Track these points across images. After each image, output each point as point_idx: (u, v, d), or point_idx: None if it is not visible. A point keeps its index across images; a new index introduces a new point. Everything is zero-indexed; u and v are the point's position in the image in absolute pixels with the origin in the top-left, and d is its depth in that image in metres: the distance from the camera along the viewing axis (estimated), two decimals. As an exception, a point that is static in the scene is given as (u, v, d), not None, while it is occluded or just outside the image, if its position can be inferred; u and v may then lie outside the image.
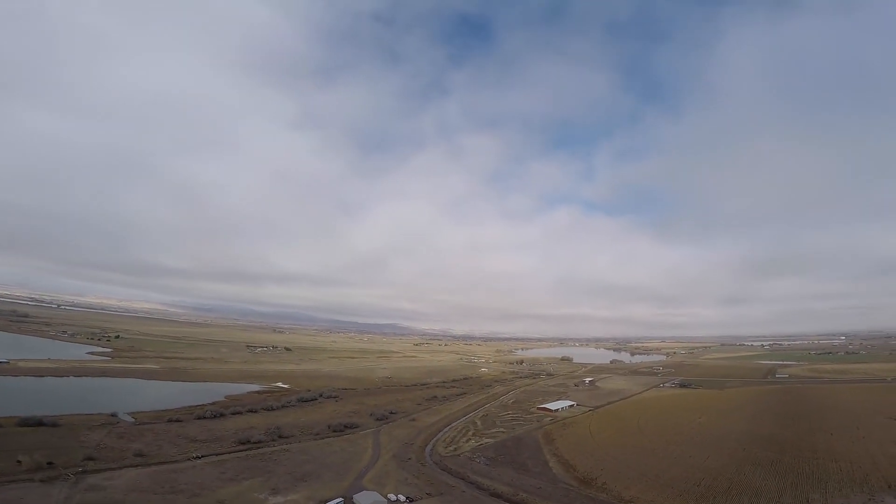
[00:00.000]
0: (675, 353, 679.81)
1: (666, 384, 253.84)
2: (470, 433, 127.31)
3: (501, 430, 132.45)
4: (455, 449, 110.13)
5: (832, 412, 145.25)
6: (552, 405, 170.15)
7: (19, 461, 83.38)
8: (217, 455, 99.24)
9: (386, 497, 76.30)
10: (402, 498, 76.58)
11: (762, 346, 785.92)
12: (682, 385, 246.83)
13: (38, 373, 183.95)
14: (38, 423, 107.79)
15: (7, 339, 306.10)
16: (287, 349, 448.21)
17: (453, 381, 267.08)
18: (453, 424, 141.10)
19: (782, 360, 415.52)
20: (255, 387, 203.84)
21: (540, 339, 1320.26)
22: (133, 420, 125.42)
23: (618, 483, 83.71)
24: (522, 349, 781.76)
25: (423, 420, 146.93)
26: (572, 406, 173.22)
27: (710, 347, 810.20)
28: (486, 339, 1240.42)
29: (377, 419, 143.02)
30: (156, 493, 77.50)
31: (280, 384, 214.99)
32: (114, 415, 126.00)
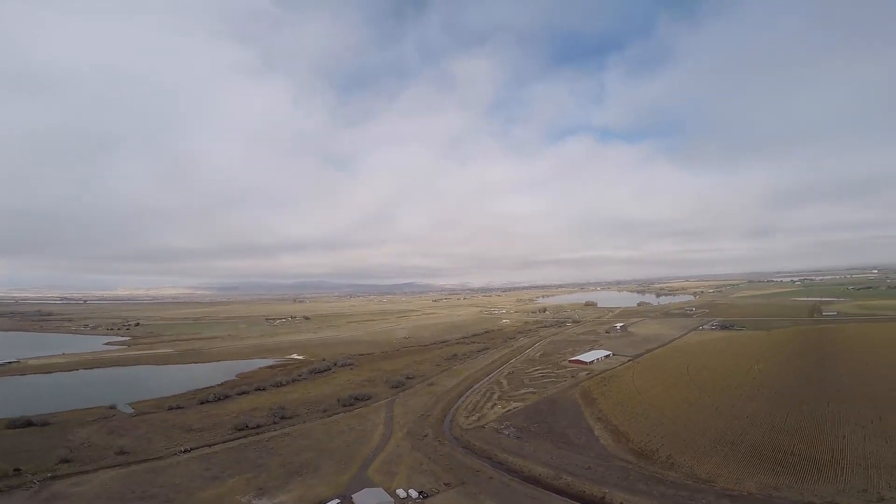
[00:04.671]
0: (702, 292, 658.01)
1: (705, 326, 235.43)
2: (495, 397, 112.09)
3: (531, 390, 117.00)
4: (479, 418, 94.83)
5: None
6: (585, 356, 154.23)
7: (-17, 469, 73.66)
8: (209, 446, 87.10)
9: (394, 493, 61.11)
10: (413, 494, 61.21)
11: (792, 281, 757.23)
12: (724, 327, 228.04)
13: (48, 369, 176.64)
14: (27, 423, 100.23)
15: (27, 338, 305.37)
16: (306, 318, 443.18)
17: (474, 335, 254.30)
18: (475, 387, 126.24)
19: (821, 297, 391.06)
20: (268, 361, 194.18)
21: (560, 286, 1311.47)
22: (132, 411, 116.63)
23: (686, 455, 66.94)
24: (544, 297, 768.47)
25: (442, 384, 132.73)
26: (608, 356, 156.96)
27: (737, 285, 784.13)
28: (506, 290, 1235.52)
29: (392, 387, 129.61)
30: (125, 499, 65.58)
31: (294, 356, 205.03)
32: (112, 407, 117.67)
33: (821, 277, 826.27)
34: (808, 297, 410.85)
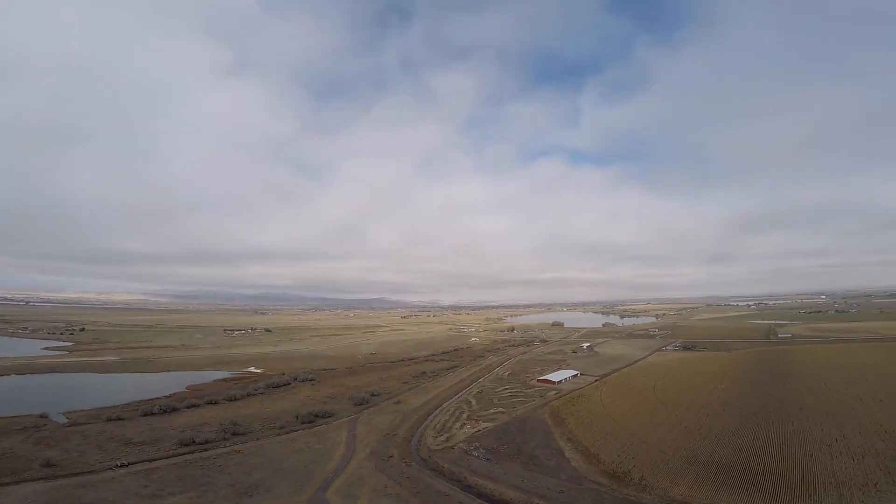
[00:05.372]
0: (664, 314, 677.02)
1: (668, 347, 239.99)
2: (464, 416, 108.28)
3: (501, 409, 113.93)
4: (447, 439, 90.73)
5: (874, 375, 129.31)
6: (554, 376, 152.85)
7: None
8: (149, 462, 79.62)
9: (355, 519, 56.47)
10: (376, 519, 56.75)
11: (748, 305, 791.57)
12: (686, 348, 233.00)
13: None
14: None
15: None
16: (267, 330, 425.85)
17: (443, 353, 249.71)
18: (444, 406, 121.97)
19: (775, 320, 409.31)
20: (223, 374, 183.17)
21: (528, 306, 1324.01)
22: (66, 421, 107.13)
23: (659, 476, 65.21)
24: (512, 316, 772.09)
25: (410, 402, 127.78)
26: (576, 376, 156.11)
27: (696, 308, 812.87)
28: (475, 308, 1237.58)
29: (356, 404, 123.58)
30: (46, 517, 58.35)
31: (252, 369, 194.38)
32: (43, 416, 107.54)
33: (774, 302, 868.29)
34: (763, 320, 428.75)
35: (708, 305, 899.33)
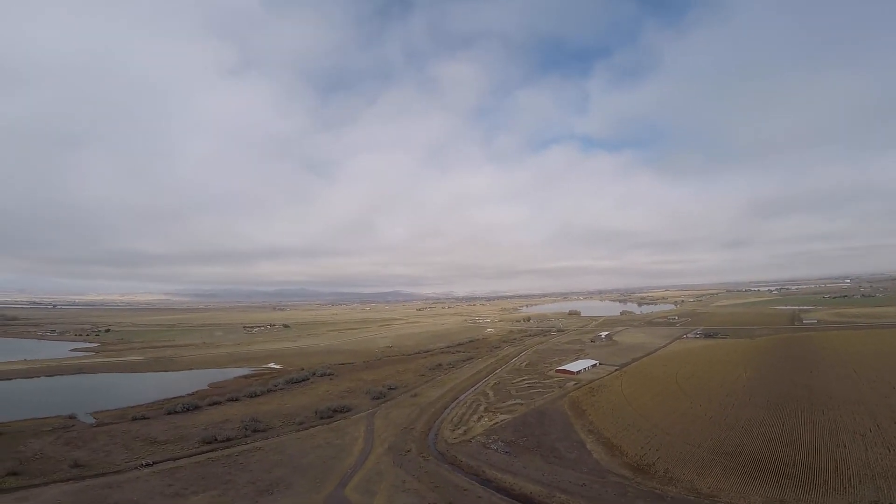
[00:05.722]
0: (683, 301, 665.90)
1: (689, 335, 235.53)
2: (481, 409, 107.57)
3: (519, 401, 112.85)
4: (465, 432, 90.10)
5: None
6: (572, 366, 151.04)
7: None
8: (173, 460, 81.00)
9: (375, 515, 56.19)
10: (396, 516, 56.40)
11: (769, 291, 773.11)
12: (708, 335, 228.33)
13: (5, 376, 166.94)
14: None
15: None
16: (285, 326, 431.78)
17: (459, 344, 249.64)
18: (461, 398, 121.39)
19: (799, 306, 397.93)
20: (243, 370, 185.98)
21: (543, 295, 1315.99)
22: (93, 421, 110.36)
23: (685, 468, 63.45)
24: (527, 306, 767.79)
25: (427, 395, 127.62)
26: (595, 366, 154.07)
27: (716, 294, 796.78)
28: (490, 299, 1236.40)
29: (373, 398, 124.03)
30: (74, 517, 59.77)
31: (272, 365, 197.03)
32: (72, 416, 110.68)
33: (796, 287, 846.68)
34: (786, 305, 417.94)
35: (728, 291, 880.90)
